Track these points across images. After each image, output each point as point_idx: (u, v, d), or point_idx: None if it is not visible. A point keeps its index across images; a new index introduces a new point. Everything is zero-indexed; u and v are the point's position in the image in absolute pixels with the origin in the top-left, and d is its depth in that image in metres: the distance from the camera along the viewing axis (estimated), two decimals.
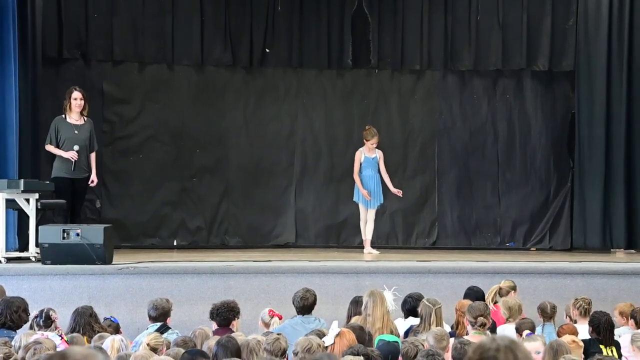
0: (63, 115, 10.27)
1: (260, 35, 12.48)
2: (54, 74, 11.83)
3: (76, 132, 10.21)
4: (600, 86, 12.28)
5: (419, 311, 6.81)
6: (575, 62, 12.52)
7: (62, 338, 5.94)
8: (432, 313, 6.63)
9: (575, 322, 7.25)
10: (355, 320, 6.76)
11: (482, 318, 6.28)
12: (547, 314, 7.19)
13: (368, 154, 11.43)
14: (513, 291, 7.90)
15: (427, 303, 6.73)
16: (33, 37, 10.80)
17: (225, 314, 6.81)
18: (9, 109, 10.06)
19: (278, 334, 5.75)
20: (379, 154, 11.46)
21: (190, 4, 12.28)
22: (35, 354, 5.17)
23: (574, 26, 12.50)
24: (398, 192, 11.46)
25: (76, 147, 10.11)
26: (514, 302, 7.27)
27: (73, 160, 10.09)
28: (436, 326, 6.50)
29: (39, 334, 5.88)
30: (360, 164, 11.40)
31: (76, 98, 10.22)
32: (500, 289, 7.91)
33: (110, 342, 5.60)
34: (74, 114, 10.25)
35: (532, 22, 12.62)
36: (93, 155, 10.36)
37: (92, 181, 10.33)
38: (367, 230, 11.40)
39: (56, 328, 6.39)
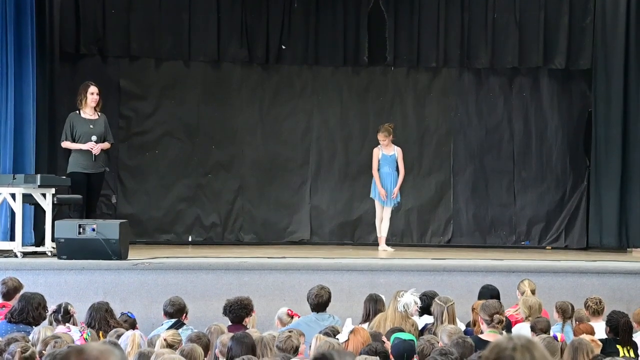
0: (77, 111, 10.32)
1: (276, 32, 12.48)
2: (71, 69, 11.87)
3: (91, 126, 10.26)
4: (617, 85, 12.22)
5: (432, 310, 6.81)
6: (592, 60, 12.45)
7: (81, 335, 5.96)
8: (444, 311, 6.63)
9: (589, 321, 7.25)
10: (378, 318, 6.77)
11: (498, 315, 6.29)
12: (569, 314, 7.19)
13: (385, 152, 11.42)
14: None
15: (438, 302, 6.74)
16: (51, 33, 10.84)
17: (237, 311, 6.82)
18: (27, 105, 10.11)
19: (290, 331, 5.74)
20: (397, 152, 11.45)
21: (206, 1, 12.29)
22: (55, 347, 5.20)
23: (591, 24, 12.43)
24: (393, 195, 11.38)
25: (94, 138, 10.16)
26: (535, 301, 7.28)
27: (93, 152, 10.13)
28: (449, 324, 6.50)
29: (62, 328, 5.90)
30: (379, 161, 11.40)
31: (93, 93, 10.27)
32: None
33: (131, 337, 5.61)
34: (89, 109, 10.29)
35: (549, 20, 12.56)
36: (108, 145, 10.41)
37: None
38: (382, 227, 11.39)
39: (76, 323, 6.42)
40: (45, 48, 10.60)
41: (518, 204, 12.81)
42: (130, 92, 12.36)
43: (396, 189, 11.34)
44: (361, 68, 12.77)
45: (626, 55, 12.19)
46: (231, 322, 6.82)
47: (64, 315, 6.44)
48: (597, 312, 7.35)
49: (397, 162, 11.43)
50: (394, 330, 6.20)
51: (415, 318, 7.26)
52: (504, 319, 6.47)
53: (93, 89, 10.28)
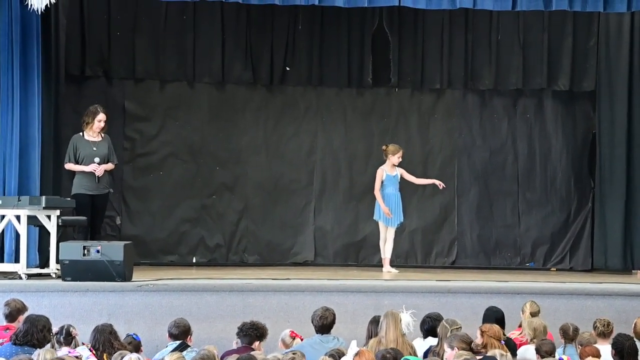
0: (81, 133, 10.35)
1: (280, 54, 12.52)
2: (76, 91, 11.90)
3: (94, 148, 10.29)
4: (621, 106, 12.24)
5: (438, 331, 6.79)
6: (596, 82, 12.48)
7: (91, 351, 5.96)
8: (447, 334, 6.60)
9: (595, 343, 7.21)
10: (371, 342, 6.74)
11: (476, 342, 6.31)
12: (570, 335, 7.16)
13: (389, 172, 11.43)
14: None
15: (444, 324, 6.73)
16: (56, 55, 10.87)
17: (247, 331, 6.80)
18: (32, 126, 10.12)
19: (294, 353, 5.73)
20: (400, 171, 11.48)
21: (211, 22, 12.34)
22: None
23: (595, 46, 12.47)
24: (440, 184, 11.57)
25: (97, 159, 10.18)
26: (539, 323, 7.26)
27: (96, 173, 10.15)
28: None
29: (65, 350, 5.89)
30: (382, 182, 11.40)
31: (101, 120, 10.30)
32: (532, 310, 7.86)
33: None
34: (93, 132, 10.32)
35: (553, 42, 12.60)
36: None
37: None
38: (387, 248, 11.39)
39: (76, 344, 6.41)
40: (50, 70, 10.63)
41: (522, 226, 12.80)
42: (135, 113, 12.39)
43: (439, 182, 11.52)
44: (365, 89, 12.80)
45: (630, 76, 12.23)
46: (241, 343, 6.82)
47: (66, 337, 6.43)
48: (603, 334, 7.31)
49: (399, 182, 11.43)
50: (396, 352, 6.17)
51: (420, 340, 7.25)
52: (480, 343, 6.45)
53: (101, 116, 10.30)
